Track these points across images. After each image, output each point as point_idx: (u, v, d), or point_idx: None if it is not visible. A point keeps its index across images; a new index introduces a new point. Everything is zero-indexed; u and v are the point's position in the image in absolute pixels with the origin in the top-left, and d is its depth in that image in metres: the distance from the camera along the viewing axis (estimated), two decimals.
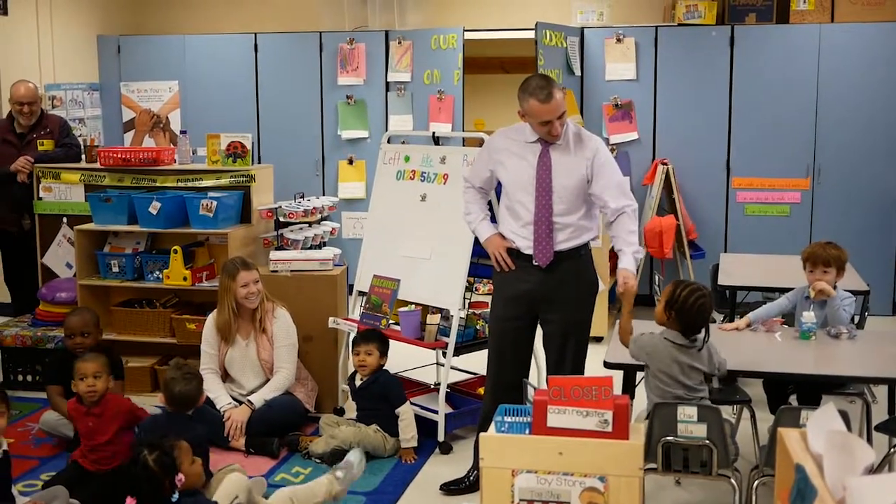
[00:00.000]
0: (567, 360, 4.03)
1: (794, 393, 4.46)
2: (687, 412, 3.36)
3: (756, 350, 4.04)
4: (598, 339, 6.55)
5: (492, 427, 3.14)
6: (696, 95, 7.27)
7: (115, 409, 4.20)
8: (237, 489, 3.67)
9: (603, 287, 6.43)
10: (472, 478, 4.17)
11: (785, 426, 3.07)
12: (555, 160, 3.92)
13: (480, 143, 4.38)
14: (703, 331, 3.61)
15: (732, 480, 3.50)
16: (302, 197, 5.69)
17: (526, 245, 3.97)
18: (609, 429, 2.97)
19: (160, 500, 3.18)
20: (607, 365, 3.88)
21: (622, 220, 3.92)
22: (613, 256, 6.72)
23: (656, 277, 5.79)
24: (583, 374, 4.04)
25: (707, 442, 3.36)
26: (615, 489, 2.95)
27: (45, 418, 4.71)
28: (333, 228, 5.77)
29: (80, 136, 6.91)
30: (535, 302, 4.03)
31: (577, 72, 7.40)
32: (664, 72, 7.32)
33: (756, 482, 3.56)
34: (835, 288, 4.34)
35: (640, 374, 4.32)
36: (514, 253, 4.02)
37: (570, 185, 3.91)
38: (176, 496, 3.22)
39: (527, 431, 3.07)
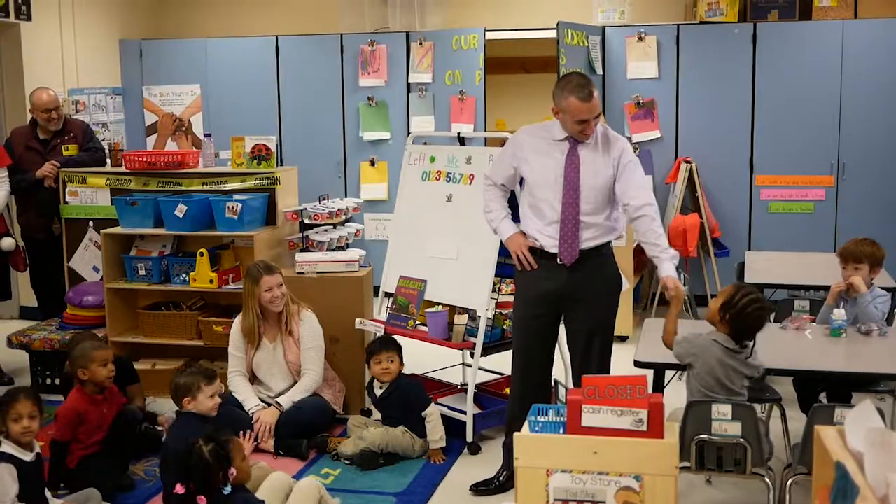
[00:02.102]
0: (592, 359, 4.03)
1: (824, 391, 4.44)
2: (721, 410, 3.34)
3: (786, 348, 4.02)
4: (623, 339, 6.54)
5: (525, 427, 3.13)
6: (718, 93, 7.24)
7: (112, 392, 4.46)
8: (283, 487, 3.69)
9: (627, 286, 6.42)
10: (501, 478, 4.17)
11: (819, 424, 3.05)
12: (583, 159, 3.93)
13: (502, 143, 4.38)
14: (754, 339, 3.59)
15: (766, 479, 3.48)
16: (326, 199, 5.70)
17: (551, 244, 3.97)
18: (644, 428, 2.96)
19: (211, 490, 3.25)
20: (638, 364, 3.87)
21: (645, 221, 3.91)
22: (638, 255, 6.73)
23: (682, 276, 5.76)
24: (608, 373, 4.03)
25: (742, 440, 3.35)
26: (650, 488, 2.95)
27: None
28: (358, 230, 5.78)
29: (103, 140, 6.95)
30: (558, 301, 4.02)
31: (599, 71, 7.39)
32: (686, 70, 7.30)
33: (789, 481, 3.54)
34: (870, 285, 4.31)
35: (669, 374, 4.33)
36: (536, 252, 4.02)
37: (598, 184, 3.92)
38: (228, 489, 3.29)
39: (561, 431, 3.06)
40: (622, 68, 7.40)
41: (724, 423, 3.36)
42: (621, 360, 5.95)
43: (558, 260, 3.96)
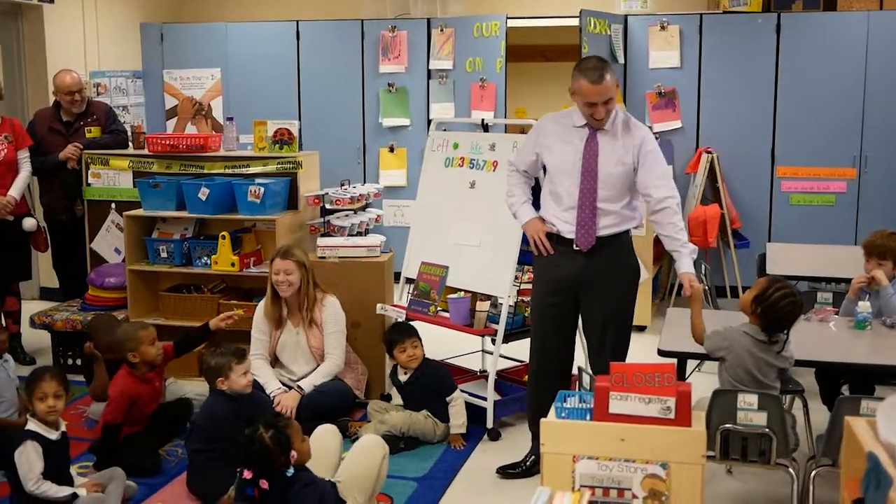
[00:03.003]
0: (607, 346, 4.03)
1: (846, 383, 4.43)
2: (747, 400, 3.34)
3: (810, 339, 4.01)
4: (642, 328, 6.53)
5: (552, 413, 3.13)
6: (740, 83, 7.21)
7: (160, 368, 4.58)
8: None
9: (647, 275, 6.41)
10: (528, 462, 4.19)
11: (844, 416, 3.05)
12: (602, 146, 3.92)
13: (523, 130, 4.38)
14: (786, 332, 3.58)
15: (791, 470, 3.48)
16: (348, 184, 5.71)
17: (568, 229, 3.98)
18: (671, 416, 2.95)
19: (275, 473, 3.34)
20: (661, 353, 3.86)
21: (667, 214, 3.90)
22: (657, 245, 6.71)
23: (703, 267, 5.74)
24: (625, 359, 4.02)
25: (767, 430, 3.34)
26: (677, 476, 2.94)
27: (94, 409, 4.77)
28: (378, 215, 5.78)
29: (124, 122, 6.96)
30: (575, 287, 4.03)
31: (621, 59, 7.36)
32: (709, 60, 7.26)
33: (813, 472, 3.53)
34: (892, 278, 4.29)
35: (691, 364, 4.32)
36: (554, 238, 4.03)
37: (616, 171, 3.91)
38: (291, 471, 3.38)
39: (588, 417, 3.06)
40: (644, 57, 7.37)
41: (750, 412, 3.36)
42: (640, 350, 5.94)
43: (574, 246, 3.96)
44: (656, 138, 7.18)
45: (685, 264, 3.87)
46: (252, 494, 3.38)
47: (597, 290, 4.00)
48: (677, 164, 7.35)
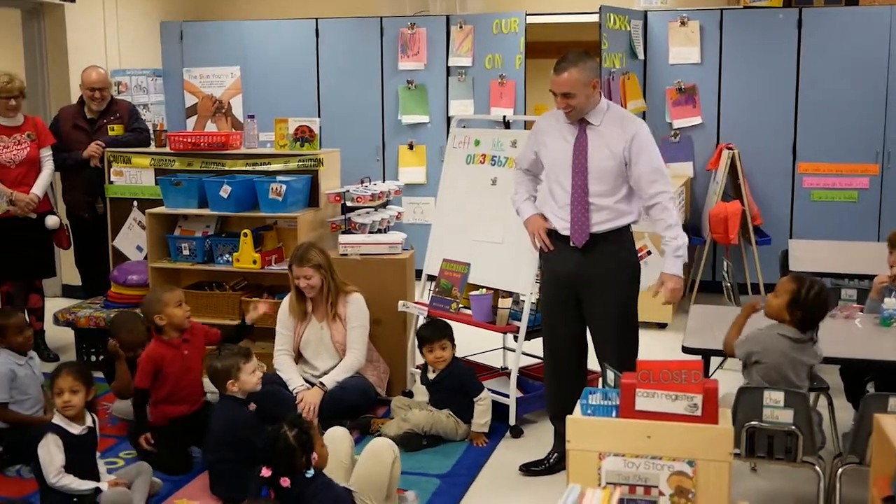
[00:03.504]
0: (610, 343, 4.01)
1: (871, 380, 4.40)
2: (773, 397, 3.32)
3: (835, 337, 3.98)
4: (662, 326, 6.52)
5: (577, 409, 3.13)
6: (761, 79, 7.17)
7: (196, 334, 4.57)
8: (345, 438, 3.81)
9: None
10: (552, 460, 4.18)
11: (872, 414, 3.03)
12: (591, 140, 3.92)
13: None
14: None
15: (817, 468, 3.46)
16: (368, 181, 5.71)
17: (563, 226, 3.99)
18: (698, 413, 2.95)
19: (295, 473, 3.35)
20: (686, 350, 3.85)
21: (657, 210, 3.89)
22: None
23: (725, 264, 5.72)
24: (633, 357, 3.97)
25: (793, 428, 3.32)
26: (704, 474, 2.93)
27: (118, 406, 4.79)
28: (399, 212, 5.78)
29: (145, 120, 6.99)
30: (573, 284, 4.03)
31: (641, 56, 7.34)
32: (729, 55, 7.23)
33: (840, 470, 3.51)
34: None
35: (715, 360, 4.31)
36: (553, 234, 4.04)
37: (606, 166, 3.90)
38: (311, 472, 3.38)
39: (614, 414, 3.05)
40: (664, 53, 7.35)
41: (776, 410, 3.34)
42: (661, 347, 5.96)
43: (571, 242, 3.97)
44: (675, 135, 7.28)
45: (667, 264, 3.89)
46: (266, 495, 3.38)
47: (595, 286, 3.99)
48: (698, 160, 7.33)
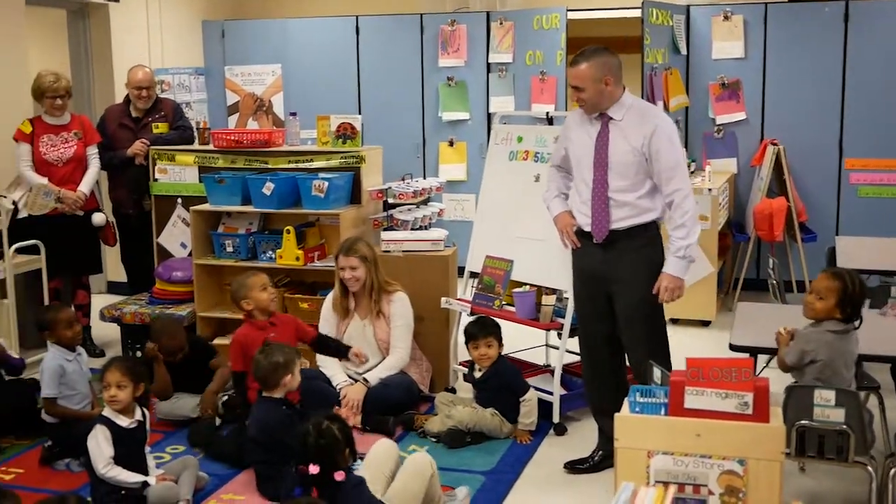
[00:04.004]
0: (637, 340, 3.98)
1: None
2: (824, 396, 3.28)
3: (886, 334, 3.92)
4: (706, 323, 6.47)
5: (625, 407, 3.11)
6: (807, 74, 7.07)
7: (287, 323, 4.62)
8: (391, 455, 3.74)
9: (711, 270, 6.34)
10: (596, 458, 4.16)
11: None
12: (613, 135, 3.90)
13: None
14: None
15: (869, 468, 3.41)
16: (410, 178, 5.72)
17: (585, 222, 3.98)
18: (749, 411, 2.92)
19: (341, 468, 3.31)
20: (733, 347, 3.81)
21: (671, 208, 3.85)
22: (722, 238, 6.63)
23: (770, 261, 5.65)
24: (664, 355, 3.97)
25: (845, 427, 3.27)
26: (755, 473, 2.90)
27: (159, 407, 4.81)
28: (441, 209, 5.78)
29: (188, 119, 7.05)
30: (600, 280, 4.01)
31: (683, 51, 7.28)
32: (774, 50, 7.14)
33: (892, 470, 3.46)
34: None
35: (762, 358, 4.26)
36: (580, 231, 4.04)
37: (626, 160, 3.87)
38: (355, 465, 3.40)
39: (662, 412, 3.03)
40: (707, 48, 7.28)
41: (827, 409, 3.29)
42: (705, 345, 5.92)
43: (594, 239, 3.96)
44: (719, 131, 7.21)
45: (667, 262, 3.85)
46: (300, 494, 3.34)
47: (618, 283, 3.96)
48: (742, 156, 7.25)
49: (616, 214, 3.90)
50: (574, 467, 4.18)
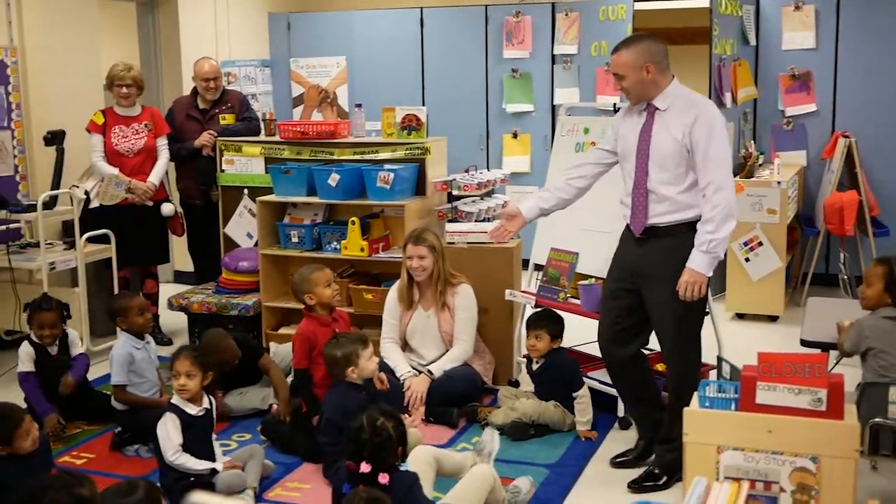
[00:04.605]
0: (667, 337, 3.89)
1: None
2: None
3: None
4: (774, 318, 6.36)
5: (695, 401, 3.07)
6: (880, 64, 6.90)
7: (345, 318, 4.65)
8: (427, 460, 3.68)
9: (780, 264, 6.23)
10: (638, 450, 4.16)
11: None
12: (656, 125, 3.82)
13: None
14: None
15: None
16: (475, 169, 5.71)
17: (626, 213, 3.93)
18: (822, 408, 2.86)
19: (392, 466, 3.24)
20: (804, 343, 3.75)
21: (705, 199, 3.71)
22: (791, 232, 6.51)
23: (841, 256, 5.54)
24: (695, 354, 3.91)
25: None
26: (828, 470, 2.84)
27: (229, 402, 4.81)
28: (505, 201, 5.76)
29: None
30: (631, 274, 3.94)
31: (753, 41, 7.16)
32: (846, 40, 6.98)
33: None
34: None
35: (833, 353, 4.17)
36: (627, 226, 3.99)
37: (666, 151, 3.76)
38: (404, 465, 3.34)
39: (732, 407, 2.98)
40: (777, 39, 7.15)
41: None
42: (772, 340, 5.81)
43: (633, 233, 3.90)
44: (788, 123, 7.07)
45: (692, 257, 3.70)
46: (349, 492, 3.16)
47: (650, 279, 3.85)
48: (812, 148, 7.11)
49: (655, 209, 3.81)
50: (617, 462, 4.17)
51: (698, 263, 3.68)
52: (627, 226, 3.96)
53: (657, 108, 3.82)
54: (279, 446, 4.39)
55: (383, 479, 3.17)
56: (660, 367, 4.60)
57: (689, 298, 3.69)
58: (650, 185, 3.81)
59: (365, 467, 3.17)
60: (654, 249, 3.84)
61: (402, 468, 3.32)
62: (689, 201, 3.76)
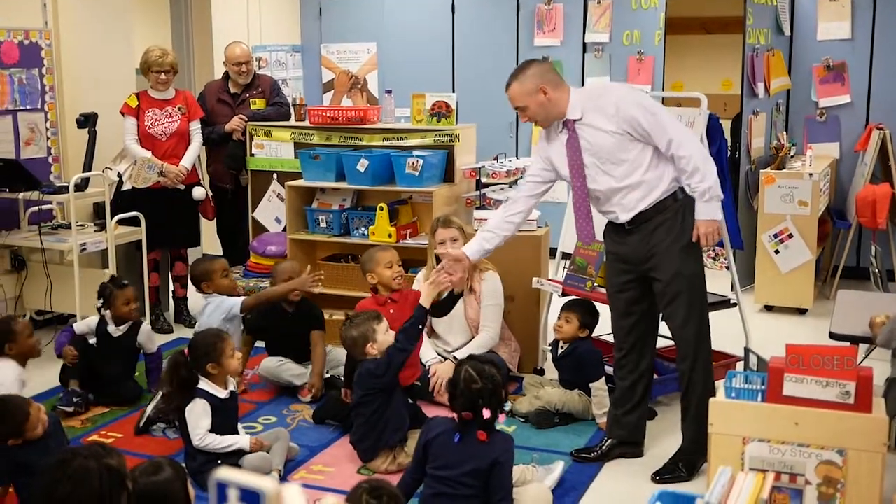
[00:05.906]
0: (677, 317, 3.87)
1: None
2: None
3: None
4: (803, 311, 6.31)
5: (720, 392, 3.05)
6: None
7: (412, 299, 4.45)
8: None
9: (810, 256, 6.17)
10: (604, 447, 4.13)
11: None
12: (582, 135, 3.80)
13: (680, 104, 4.25)
14: None
15: None
16: (504, 157, 5.70)
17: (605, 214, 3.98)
18: (851, 401, 2.84)
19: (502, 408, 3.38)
20: (833, 336, 3.72)
21: (677, 161, 3.72)
22: (822, 224, 6.45)
23: (872, 249, 5.49)
24: (703, 332, 3.89)
25: None
26: (855, 464, 2.82)
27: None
28: None
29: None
30: (634, 262, 3.92)
31: (787, 31, 7.08)
32: (883, 30, 6.89)
33: None
34: None
35: (863, 347, 4.14)
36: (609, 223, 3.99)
37: (609, 147, 3.76)
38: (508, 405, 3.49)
39: (759, 399, 2.97)
40: (812, 29, 7.07)
41: None
42: (802, 333, 5.77)
43: (619, 223, 3.90)
44: (821, 114, 7.00)
45: (697, 209, 3.73)
46: (458, 442, 3.29)
47: (660, 256, 3.83)
48: (845, 140, 7.03)
49: (634, 196, 3.80)
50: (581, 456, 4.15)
51: (706, 212, 3.73)
52: (609, 222, 3.97)
53: (574, 120, 3.82)
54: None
55: (502, 418, 3.33)
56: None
57: (708, 246, 3.78)
58: (616, 182, 3.79)
59: (486, 413, 3.26)
60: (650, 231, 3.83)
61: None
62: (659, 175, 3.79)
